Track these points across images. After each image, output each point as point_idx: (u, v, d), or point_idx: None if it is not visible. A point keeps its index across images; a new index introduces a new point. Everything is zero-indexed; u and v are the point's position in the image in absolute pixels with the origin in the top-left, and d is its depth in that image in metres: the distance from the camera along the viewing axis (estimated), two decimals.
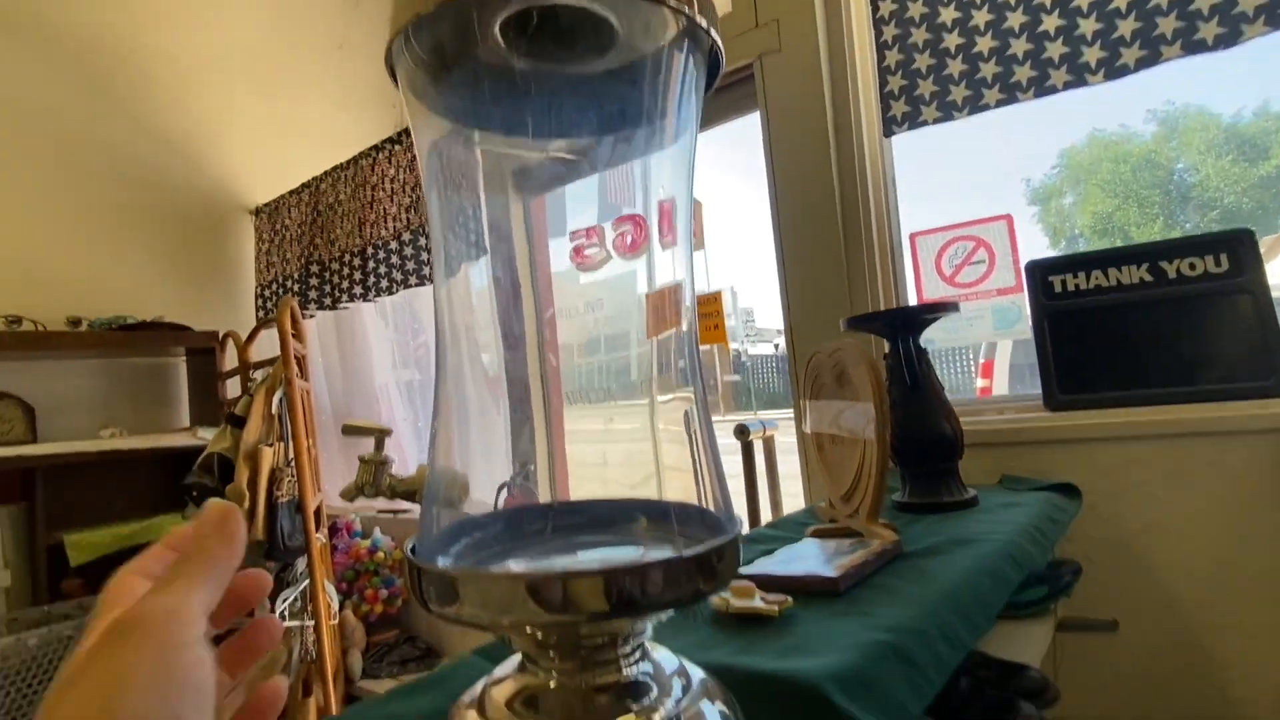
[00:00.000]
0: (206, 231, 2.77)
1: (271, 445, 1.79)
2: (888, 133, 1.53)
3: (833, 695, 0.51)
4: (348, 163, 2.55)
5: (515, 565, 0.49)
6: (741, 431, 1.72)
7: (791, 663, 0.57)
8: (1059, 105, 1.43)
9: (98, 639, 0.24)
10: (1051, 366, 1.43)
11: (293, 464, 1.82)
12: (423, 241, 2.34)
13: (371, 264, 2.46)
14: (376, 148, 2.45)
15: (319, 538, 1.87)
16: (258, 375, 2.11)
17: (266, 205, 2.85)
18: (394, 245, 2.41)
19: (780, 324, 1.76)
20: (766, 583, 0.75)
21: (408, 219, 2.38)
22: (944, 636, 0.65)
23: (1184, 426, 1.26)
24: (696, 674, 0.50)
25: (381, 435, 0.39)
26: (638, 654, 0.49)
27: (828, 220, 1.56)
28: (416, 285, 2.36)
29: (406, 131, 2.37)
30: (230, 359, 2.49)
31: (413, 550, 0.45)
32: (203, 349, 2.54)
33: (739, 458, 1.74)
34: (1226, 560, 1.23)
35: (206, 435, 2.21)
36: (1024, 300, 1.54)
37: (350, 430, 0.42)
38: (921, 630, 0.64)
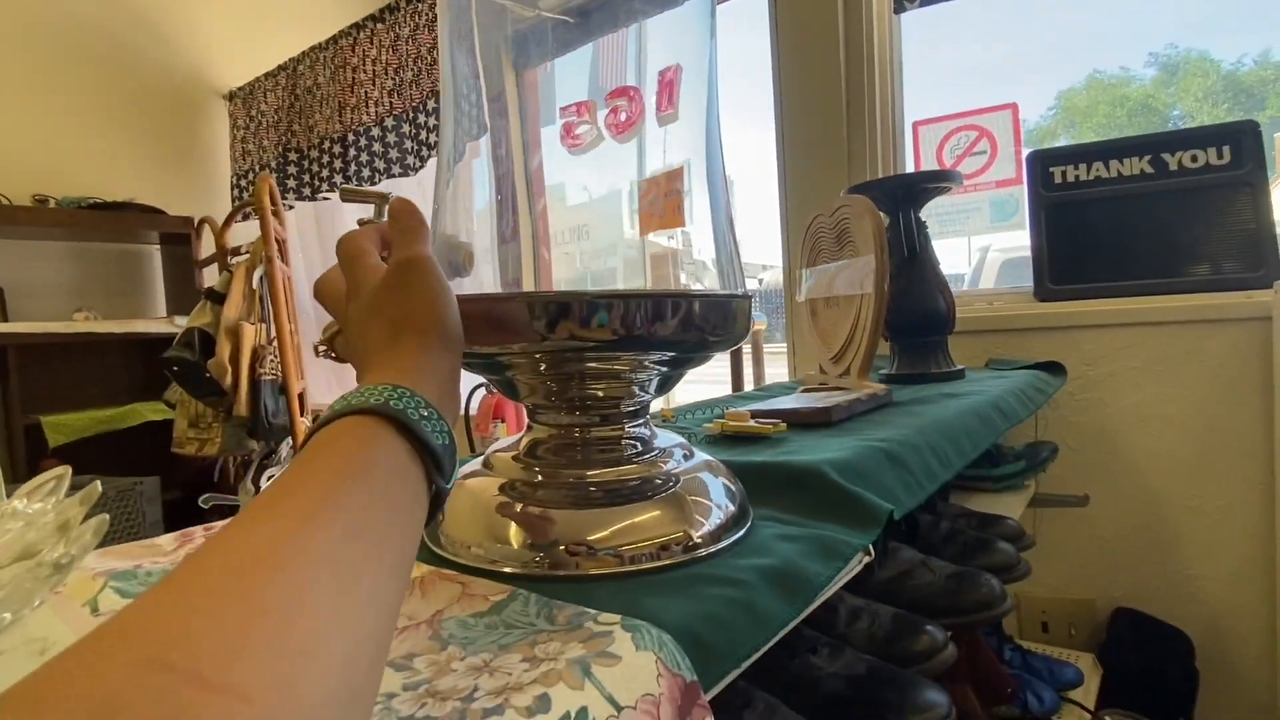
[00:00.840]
0: (179, 115, 2.64)
1: (253, 324, 1.76)
2: (898, 9, 1.47)
3: (829, 473, 0.52)
4: (326, 43, 2.42)
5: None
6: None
7: (789, 458, 0.57)
8: (1061, 46, 1.38)
9: (392, 274, 0.34)
10: (1045, 257, 1.43)
11: (274, 344, 1.79)
12: (406, 128, 2.25)
13: (353, 152, 2.36)
14: (357, 26, 2.32)
15: (304, 421, 1.86)
16: (236, 262, 2.05)
17: (241, 89, 2.71)
18: (376, 132, 2.31)
19: (763, 260, 1.73)
20: (759, 414, 0.75)
21: (390, 104, 2.27)
22: (934, 452, 0.66)
23: (1169, 315, 1.27)
24: (700, 453, 0.50)
25: (382, 201, 0.37)
26: (641, 418, 0.48)
27: (832, 100, 1.51)
28: (400, 175, 2.28)
29: (389, 9, 2.24)
30: (207, 247, 2.42)
31: None
32: (178, 235, 2.46)
33: (727, 361, 1.74)
34: (1198, 445, 1.26)
35: (184, 323, 2.17)
36: (1022, 194, 1.52)
37: (349, 195, 0.40)
38: (913, 443, 0.64)
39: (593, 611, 0.33)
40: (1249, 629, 1.24)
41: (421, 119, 2.22)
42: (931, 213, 1.23)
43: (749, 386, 1.93)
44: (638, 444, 0.47)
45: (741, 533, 0.45)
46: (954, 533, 0.87)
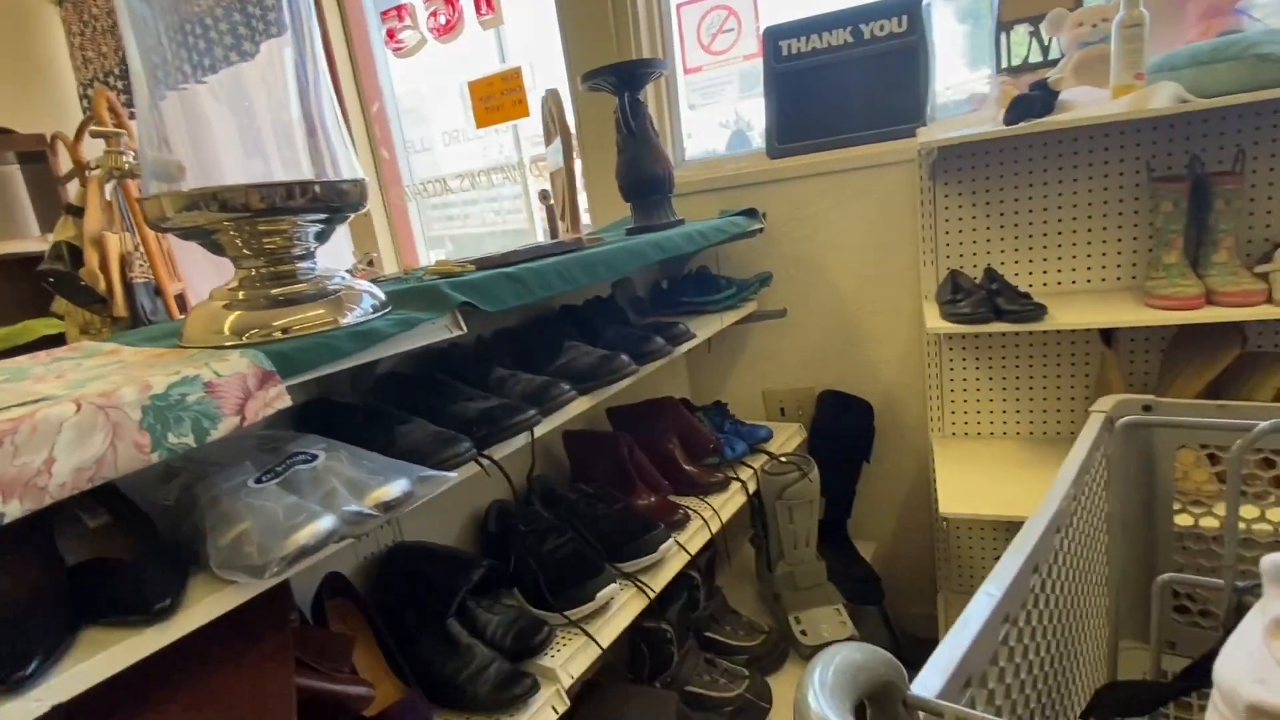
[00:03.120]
0: (7, 27, 2.61)
1: (116, 233, 1.96)
2: None
3: (442, 286, 0.85)
4: None
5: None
6: (544, 196, 2.01)
7: (434, 283, 0.90)
8: None
9: None
10: (775, 120, 1.75)
11: (141, 250, 2.00)
12: (238, 16, 2.33)
13: (191, 40, 2.43)
14: None
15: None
16: (90, 176, 2.19)
17: None
18: (209, 20, 2.38)
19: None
20: (483, 261, 1.08)
21: None
22: (559, 274, 1.00)
23: (855, 163, 1.63)
24: (362, 284, 0.83)
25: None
26: (309, 260, 0.80)
27: None
28: (238, 61, 2.38)
29: None
30: (65, 162, 2.51)
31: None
32: (34, 154, 2.54)
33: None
34: (873, 263, 1.67)
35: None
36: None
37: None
38: (540, 270, 0.99)
39: (259, 359, 0.66)
40: (910, 393, 1.71)
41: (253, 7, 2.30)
42: (695, 87, 1.52)
43: None
44: (310, 273, 0.79)
45: (369, 321, 0.79)
46: (625, 335, 1.24)
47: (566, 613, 1.00)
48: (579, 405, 1.04)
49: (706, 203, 1.75)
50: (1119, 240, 1.42)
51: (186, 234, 0.75)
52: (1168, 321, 1.23)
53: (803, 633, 1.40)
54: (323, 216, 0.77)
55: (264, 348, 0.65)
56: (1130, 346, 1.45)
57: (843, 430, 1.73)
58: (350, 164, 0.78)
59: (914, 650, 1.63)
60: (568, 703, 0.92)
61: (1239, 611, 0.68)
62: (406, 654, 0.91)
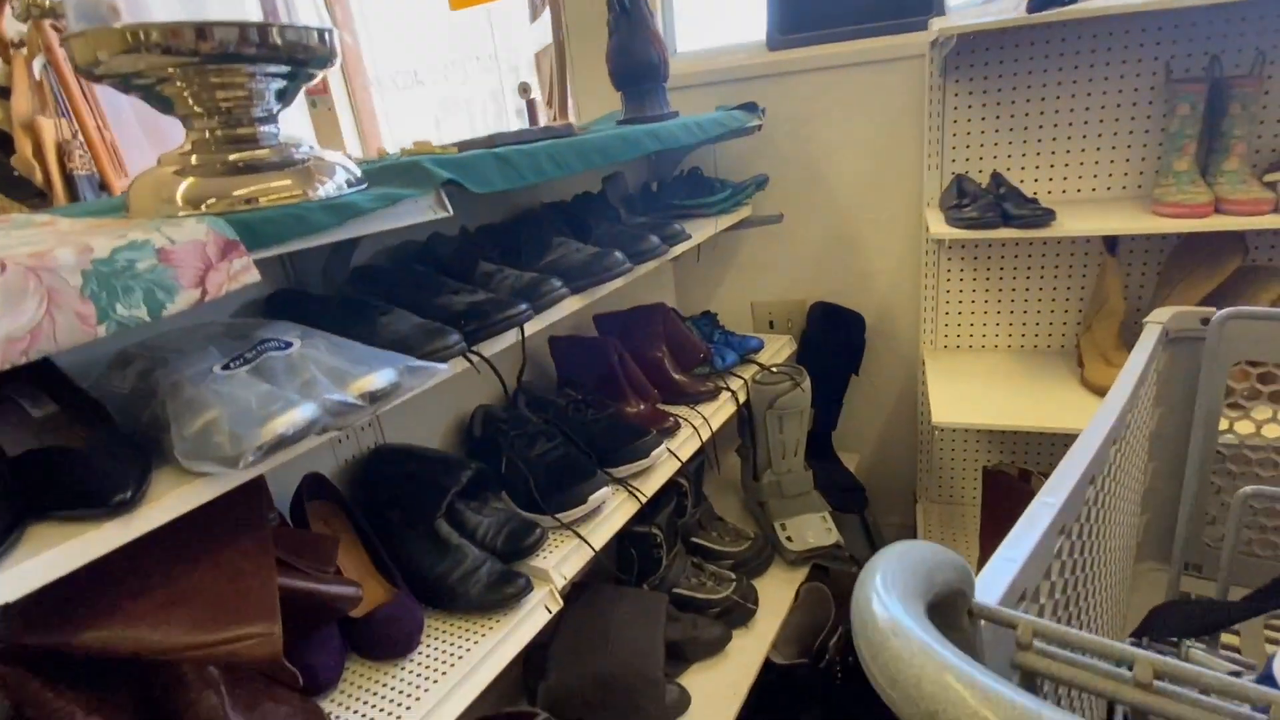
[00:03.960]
0: None
1: (49, 118, 1.78)
2: None
3: (425, 164, 0.77)
4: None
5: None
6: (524, 89, 1.87)
7: (418, 159, 0.81)
8: None
9: None
10: (775, 8, 1.62)
11: (80, 138, 1.83)
12: None
13: None
14: None
15: None
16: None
17: None
18: None
19: None
20: (465, 143, 0.98)
21: None
22: (551, 159, 0.92)
23: (861, 57, 1.52)
24: (334, 155, 0.74)
25: None
26: (272, 123, 0.71)
27: None
28: None
29: None
30: None
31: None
32: None
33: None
34: (873, 167, 1.59)
35: None
36: None
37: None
38: (531, 153, 0.90)
39: (219, 226, 0.58)
40: (903, 305, 1.67)
41: None
42: None
43: None
44: (273, 138, 0.69)
45: (345, 193, 0.70)
46: (617, 234, 1.17)
47: (558, 515, 0.97)
48: (571, 304, 0.98)
49: (701, 97, 1.63)
50: (1128, 147, 1.37)
51: (126, 85, 0.64)
52: (1175, 229, 1.20)
53: (788, 539, 1.40)
54: (285, 70, 0.67)
55: (226, 217, 0.57)
56: (1129, 258, 1.42)
57: (833, 343, 1.70)
58: (316, 7, 0.68)
59: None
60: (560, 602, 0.90)
61: None
62: (393, 556, 0.87)
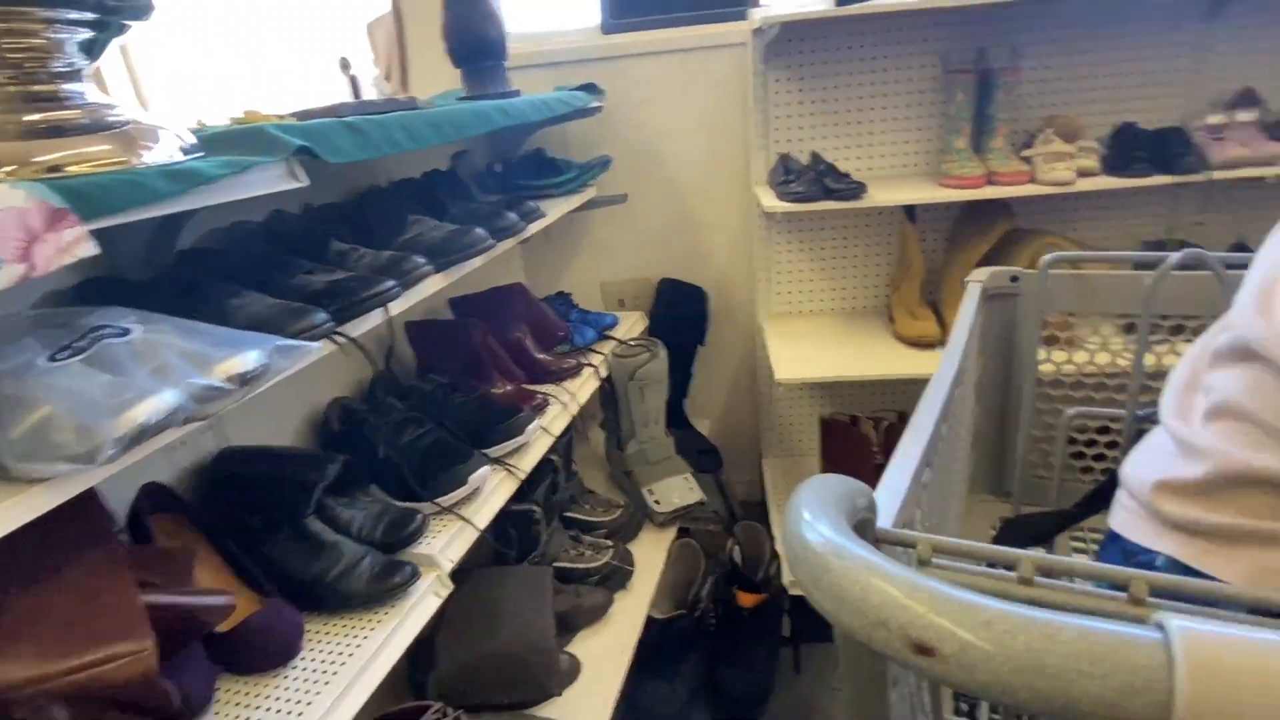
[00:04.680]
0: None
1: None
2: None
3: (272, 130, 0.71)
4: None
5: None
6: (345, 64, 1.74)
7: (265, 129, 0.75)
8: None
9: None
10: None
11: None
12: None
13: None
14: None
15: None
16: None
17: None
18: None
19: None
20: (303, 113, 0.90)
21: None
22: (405, 130, 0.88)
23: (690, 42, 1.61)
24: (158, 119, 0.65)
25: None
26: (76, 80, 0.61)
27: None
28: None
29: None
30: None
31: None
32: None
33: None
34: (708, 148, 1.69)
35: None
36: None
37: None
38: (383, 123, 0.85)
39: (42, 192, 0.49)
40: (739, 277, 1.80)
41: None
42: None
43: None
44: (79, 98, 0.60)
45: (182, 161, 0.63)
46: (473, 211, 1.15)
47: (438, 500, 0.94)
48: (434, 283, 0.95)
49: (538, 79, 1.63)
50: (919, 129, 1.58)
51: None
52: (958, 198, 1.41)
53: (656, 502, 1.47)
54: (89, 18, 0.59)
55: (50, 184, 0.49)
56: (925, 225, 1.64)
57: (680, 317, 1.78)
58: None
59: (745, 513, 1.80)
60: (450, 586, 0.88)
61: (1135, 437, 0.73)
62: (259, 563, 0.80)
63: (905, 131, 1.58)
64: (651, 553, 1.43)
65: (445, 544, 0.91)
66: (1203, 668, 0.20)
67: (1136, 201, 1.56)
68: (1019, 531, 0.83)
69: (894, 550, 0.40)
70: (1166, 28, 1.46)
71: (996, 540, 0.83)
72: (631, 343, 1.54)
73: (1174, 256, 0.86)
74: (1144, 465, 0.53)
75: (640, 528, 1.48)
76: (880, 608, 0.25)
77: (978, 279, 0.97)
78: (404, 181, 1.19)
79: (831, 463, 1.62)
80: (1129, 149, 1.41)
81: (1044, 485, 1.01)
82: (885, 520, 0.42)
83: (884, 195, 1.41)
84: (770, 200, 1.45)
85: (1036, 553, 0.35)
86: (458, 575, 1.10)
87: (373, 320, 0.84)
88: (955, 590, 0.24)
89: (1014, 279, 0.99)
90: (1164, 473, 0.49)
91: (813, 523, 0.30)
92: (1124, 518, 0.55)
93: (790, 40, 1.51)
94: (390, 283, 0.82)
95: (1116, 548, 0.54)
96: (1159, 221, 1.59)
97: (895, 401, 1.72)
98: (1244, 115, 1.42)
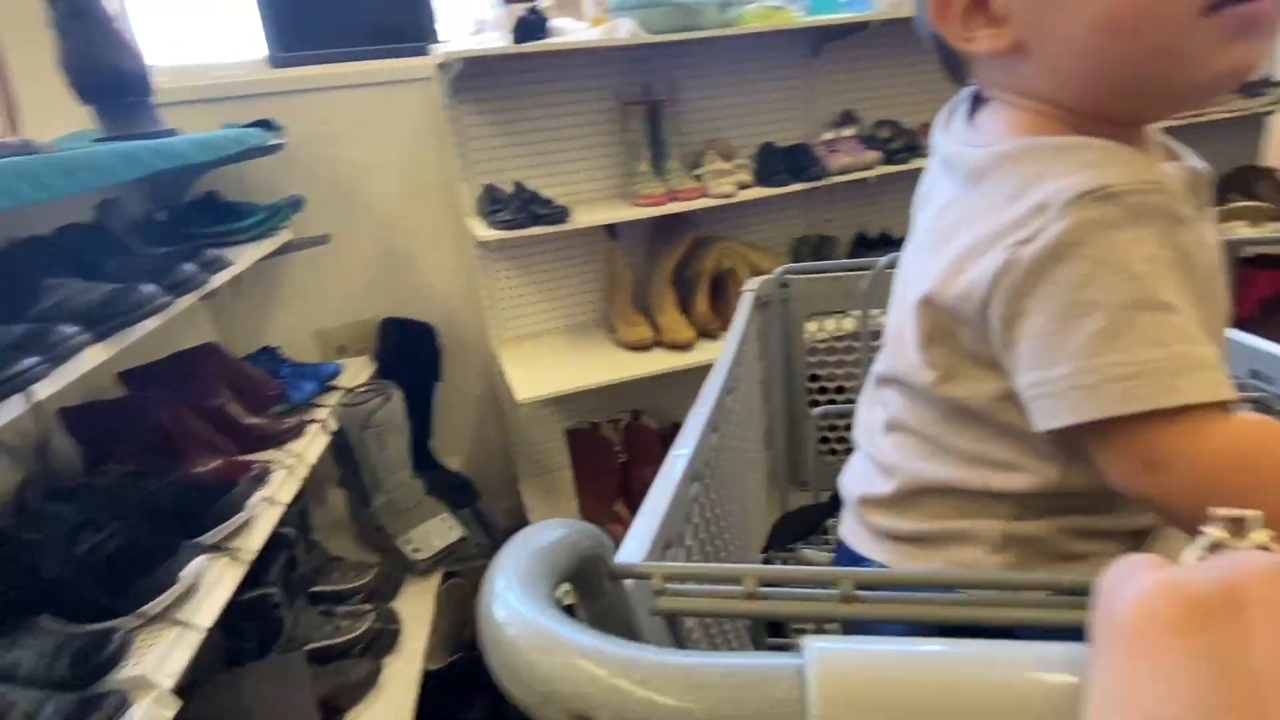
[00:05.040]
0: None
1: None
2: None
3: None
4: None
5: None
6: None
7: None
8: None
9: None
10: (273, 27, 1.54)
11: None
12: None
13: None
14: None
15: None
16: None
17: None
18: None
19: None
20: None
21: None
22: (25, 176, 0.73)
23: (372, 78, 1.57)
24: None
25: None
26: None
27: None
28: None
29: None
30: None
31: None
32: None
33: None
34: (411, 182, 1.66)
35: None
36: None
37: None
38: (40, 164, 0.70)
39: None
40: (466, 307, 1.80)
41: None
42: None
43: None
44: None
45: None
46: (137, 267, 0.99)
47: (142, 610, 0.79)
48: (94, 354, 0.80)
49: (201, 116, 1.45)
50: (609, 155, 1.73)
51: None
52: (647, 215, 1.58)
53: (415, 550, 1.40)
54: None
55: None
56: (627, 241, 1.80)
57: (411, 355, 1.72)
58: None
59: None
60: (177, 703, 0.75)
61: None
62: None
63: (598, 158, 1.73)
64: (418, 604, 1.35)
65: (161, 658, 0.77)
66: (832, 683, 0.20)
67: (783, 205, 1.89)
68: (790, 525, 0.87)
69: (638, 584, 0.39)
70: (783, 64, 1.80)
71: (771, 536, 0.85)
72: (360, 390, 1.45)
73: (882, 261, 0.92)
74: (851, 480, 0.57)
75: (400, 583, 1.40)
76: (545, 680, 0.23)
77: (750, 287, 0.98)
78: (31, 241, 0.98)
79: (581, 473, 1.70)
80: (771, 163, 1.71)
81: (836, 472, 1.10)
82: (642, 547, 0.43)
83: (586, 217, 1.53)
84: (483, 230, 1.48)
85: (781, 560, 0.36)
86: (187, 690, 0.94)
87: (10, 411, 0.68)
88: (619, 649, 0.23)
89: (784, 285, 1.01)
90: (865, 488, 0.53)
91: (503, 592, 0.27)
92: (846, 526, 0.57)
93: (476, 75, 1.56)
94: (30, 361, 0.67)
95: (844, 554, 0.57)
96: (801, 220, 1.96)
97: (629, 402, 1.85)
98: (847, 131, 1.81)
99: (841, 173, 1.70)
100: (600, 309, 1.85)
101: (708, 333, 1.68)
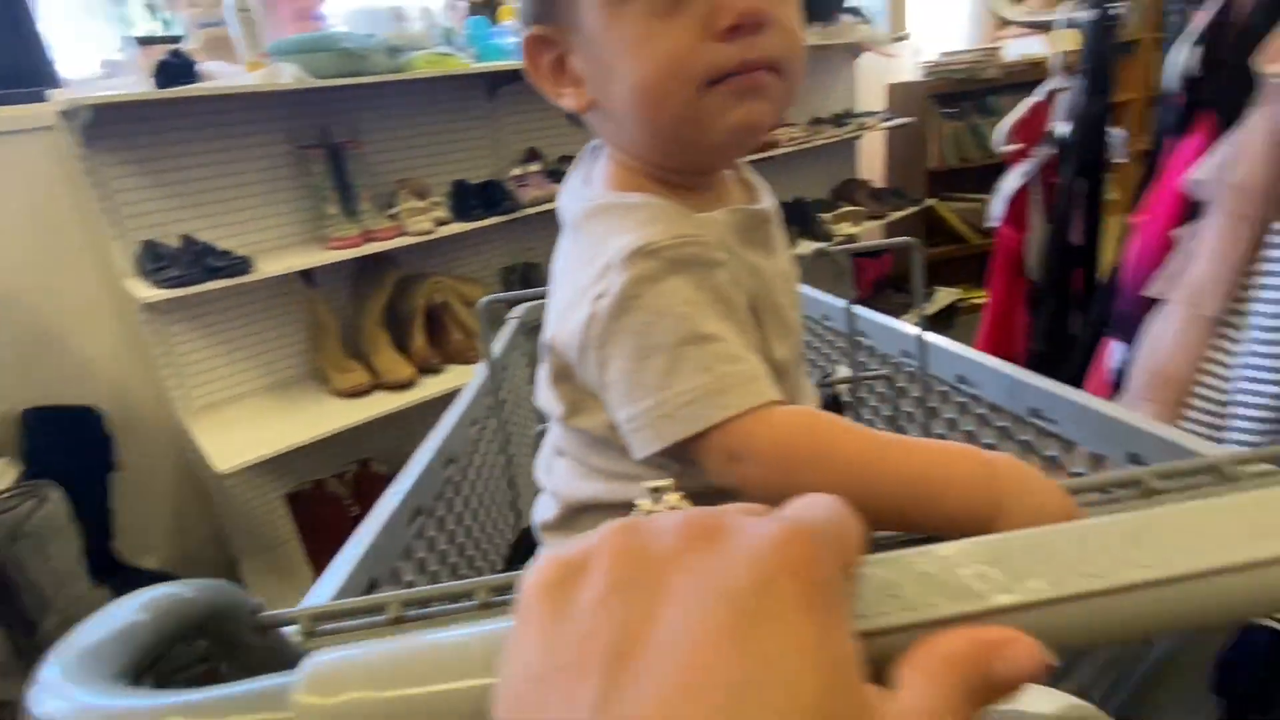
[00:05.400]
0: None
1: None
2: None
3: None
4: None
5: None
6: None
7: None
8: None
9: None
10: None
11: None
12: None
13: None
14: None
15: None
16: None
17: None
18: None
19: None
20: None
21: None
22: None
23: None
24: None
25: None
26: None
27: None
28: None
29: None
30: None
31: None
32: None
33: None
34: (47, 247, 1.43)
35: None
36: None
37: None
38: None
39: None
40: (140, 384, 1.58)
41: None
42: None
43: None
44: None
45: None
46: None
47: None
48: None
49: None
50: (292, 200, 1.66)
51: None
52: (344, 257, 1.56)
53: None
54: None
55: None
56: (328, 286, 1.74)
57: (70, 447, 1.47)
58: None
59: None
60: None
61: None
62: None
63: (280, 204, 1.65)
64: None
65: None
66: (319, 693, 0.20)
67: (485, 238, 1.98)
68: (526, 547, 0.86)
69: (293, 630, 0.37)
70: (465, 106, 1.89)
71: (510, 555, 0.86)
72: (4, 495, 1.20)
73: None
74: (535, 513, 0.59)
75: None
76: None
77: (516, 315, 0.98)
78: None
79: (312, 536, 1.59)
80: (466, 199, 1.79)
81: None
82: (328, 591, 0.43)
83: (273, 265, 1.45)
84: (145, 290, 1.33)
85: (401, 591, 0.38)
86: None
87: None
88: (118, 700, 0.21)
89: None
90: (541, 516, 0.57)
91: (56, 684, 0.22)
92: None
93: (115, 122, 1.39)
94: None
95: None
96: (505, 251, 2.06)
97: (356, 452, 1.77)
98: (534, 167, 1.96)
99: (533, 205, 1.84)
100: (307, 360, 1.75)
101: (429, 368, 1.69)
